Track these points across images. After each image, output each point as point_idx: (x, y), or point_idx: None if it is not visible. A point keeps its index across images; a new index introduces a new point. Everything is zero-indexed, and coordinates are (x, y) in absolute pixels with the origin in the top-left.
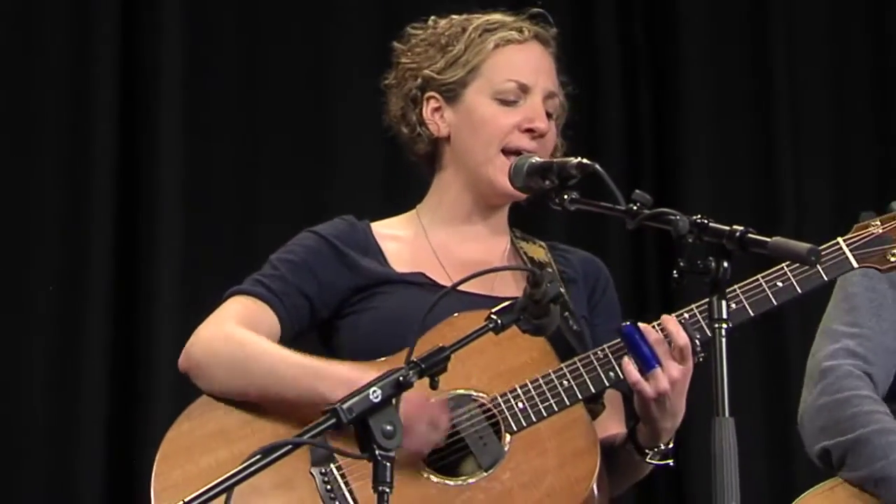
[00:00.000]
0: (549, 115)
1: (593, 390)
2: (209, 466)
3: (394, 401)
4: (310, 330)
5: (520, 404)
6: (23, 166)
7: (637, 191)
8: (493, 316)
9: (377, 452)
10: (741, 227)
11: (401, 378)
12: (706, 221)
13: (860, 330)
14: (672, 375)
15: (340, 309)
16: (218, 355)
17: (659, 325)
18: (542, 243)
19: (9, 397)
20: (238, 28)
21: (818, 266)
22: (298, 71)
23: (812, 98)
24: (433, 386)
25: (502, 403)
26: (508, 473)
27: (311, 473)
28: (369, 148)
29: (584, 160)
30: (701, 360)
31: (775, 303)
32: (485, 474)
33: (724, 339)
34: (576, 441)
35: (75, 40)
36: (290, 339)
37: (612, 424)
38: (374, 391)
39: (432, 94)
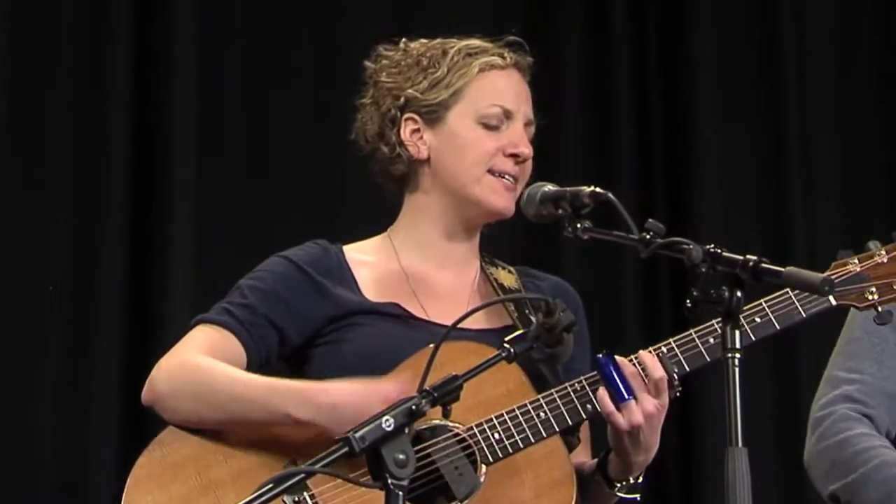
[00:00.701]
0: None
1: (570, 423)
2: (180, 494)
3: (406, 430)
4: (278, 360)
5: (496, 435)
6: (36, 167)
7: (650, 220)
8: (505, 345)
9: (390, 482)
10: (754, 257)
11: (413, 407)
12: (719, 251)
13: (860, 376)
14: (646, 409)
15: (313, 338)
16: (182, 385)
17: (635, 357)
18: (512, 268)
19: (21, 397)
20: (249, 31)
21: (796, 303)
22: (310, 72)
23: (821, 104)
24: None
25: (478, 434)
26: None
27: (284, 501)
28: None
29: (598, 189)
30: (678, 394)
31: (753, 338)
32: None
33: (737, 370)
34: (552, 472)
35: (89, 39)
36: (258, 369)
37: (580, 451)
38: (387, 420)
39: (411, 115)
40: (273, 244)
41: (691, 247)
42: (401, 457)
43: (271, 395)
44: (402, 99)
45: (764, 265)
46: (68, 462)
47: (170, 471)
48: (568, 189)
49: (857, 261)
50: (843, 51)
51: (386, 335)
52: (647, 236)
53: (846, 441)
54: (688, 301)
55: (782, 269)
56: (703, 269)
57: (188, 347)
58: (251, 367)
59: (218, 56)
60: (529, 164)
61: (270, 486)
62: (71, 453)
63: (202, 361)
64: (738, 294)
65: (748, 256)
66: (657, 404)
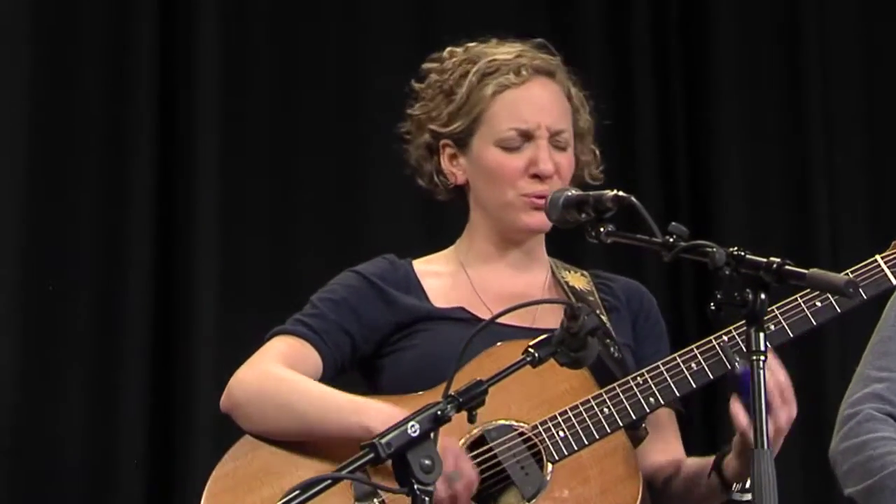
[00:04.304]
0: (560, 148)
1: (634, 417)
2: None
3: (432, 435)
4: (352, 367)
5: (560, 433)
6: (61, 168)
7: (673, 223)
8: (530, 349)
9: (416, 487)
10: (778, 259)
11: (439, 412)
12: (743, 253)
13: (890, 374)
14: (779, 424)
15: (382, 346)
16: (260, 394)
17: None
18: (585, 272)
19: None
20: (272, 37)
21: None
22: (333, 75)
23: (846, 102)
24: (471, 419)
25: (543, 433)
26: (551, 502)
27: None
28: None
29: (621, 192)
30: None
31: (815, 323)
32: None
33: (762, 372)
34: (617, 468)
35: (113, 42)
36: (333, 377)
37: (671, 447)
38: (413, 425)
39: (446, 142)
40: (300, 268)
41: (714, 250)
42: (427, 462)
43: (349, 408)
44: (430, 132)
45: (788, 267)
46: (94, 466)
47: (244, 483)
48: (591, 193)
49: None
50: (867, 48)
51: (449, 338)
52: (671, 240)
53: (866, 444)
54: (711, 304)
55: (806, 272)
56: (727, 272)
57: (267, 357)
58: (327, 375)
59: (241, 73)
60: (565, 168)
61: (297, 492)
62: (98, 455)
63: (280, 371)
64: (762, 296)
65: (772, 259)
66: (788, 419)
